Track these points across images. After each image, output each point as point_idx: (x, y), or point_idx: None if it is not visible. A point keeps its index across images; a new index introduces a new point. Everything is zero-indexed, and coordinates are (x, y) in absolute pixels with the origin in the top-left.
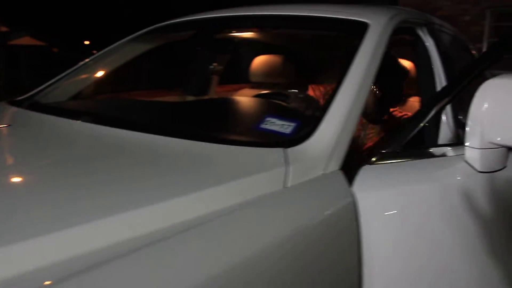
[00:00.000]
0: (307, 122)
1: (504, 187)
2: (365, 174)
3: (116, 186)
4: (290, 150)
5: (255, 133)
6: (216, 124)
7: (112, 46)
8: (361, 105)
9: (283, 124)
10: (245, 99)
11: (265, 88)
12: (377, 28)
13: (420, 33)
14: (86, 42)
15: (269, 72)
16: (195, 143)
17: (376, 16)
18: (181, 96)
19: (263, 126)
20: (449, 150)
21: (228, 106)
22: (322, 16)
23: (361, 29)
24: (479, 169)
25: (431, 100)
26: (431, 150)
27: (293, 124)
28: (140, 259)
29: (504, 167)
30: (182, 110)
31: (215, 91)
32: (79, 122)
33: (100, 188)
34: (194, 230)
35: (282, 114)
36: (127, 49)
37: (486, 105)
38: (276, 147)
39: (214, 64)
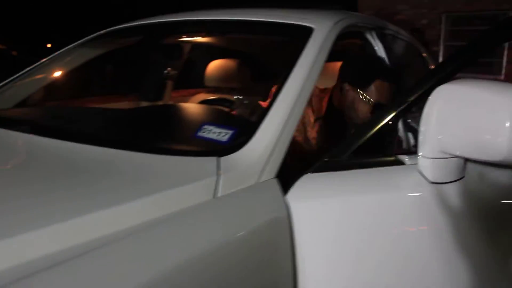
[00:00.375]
0: (245, 129)
1: (457, 201)
2: (303, 183)
3: (32, 200)
4: (223, 158)
5: (191, 142)
6: (152, 133)
7: (60, 51)
8: (300, 111)
9: (220, 132)
10: (186, 106)
11: (221, 93)
12: (321, 33)
13: (369, 37)
14: (48, 45)
15: (223, 76)
16: (127, 153)
17: (321, 21)
18: (136, 101)
19: (200, 134)
20: (402, 159)
21: (167, 114)
22: (269, 21)
23: (305, 33)
24: (431, 180)
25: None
26: (382, 159)
27: (230, 132)
28: (55, 275)
29: (462, 177)
30: (120, 119)
31: (170, 96)
32: (14, 132)
33: (22, 201)
34: (117, 244)
35: (221, 121)
36: (75, 54)
37: (436, 113)
38: (210, 156)
39: (169, 69)
